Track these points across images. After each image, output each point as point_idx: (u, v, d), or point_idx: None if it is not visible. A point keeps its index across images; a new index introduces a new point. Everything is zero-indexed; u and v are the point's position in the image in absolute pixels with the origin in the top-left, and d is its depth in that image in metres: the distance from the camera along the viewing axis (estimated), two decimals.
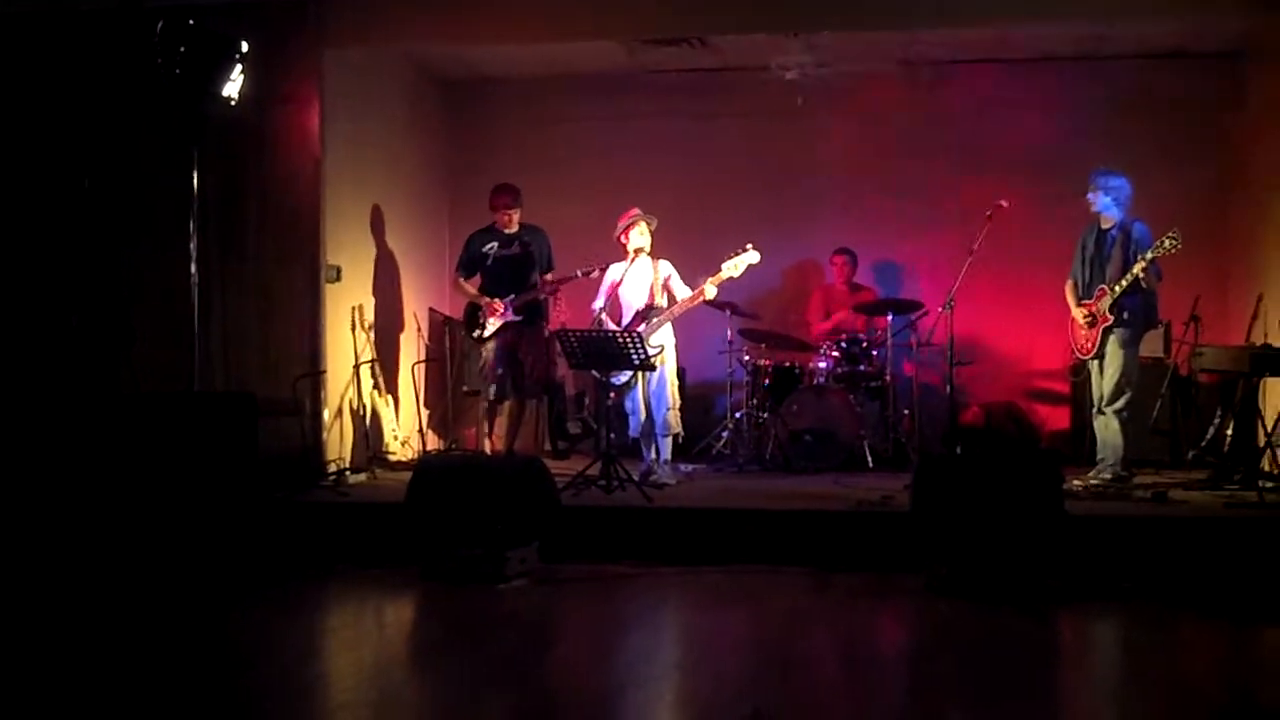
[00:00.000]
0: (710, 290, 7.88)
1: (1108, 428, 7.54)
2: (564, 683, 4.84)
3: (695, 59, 9.68)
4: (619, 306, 8.21)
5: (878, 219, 10.03)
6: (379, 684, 4.79)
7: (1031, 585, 5.82)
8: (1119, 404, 7.43)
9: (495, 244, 8.59)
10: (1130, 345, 7.44)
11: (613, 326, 8.07)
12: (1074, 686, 4.88)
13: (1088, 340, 7.53)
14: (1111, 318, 7.39)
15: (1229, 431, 7.90)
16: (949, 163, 9.88)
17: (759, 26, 8.61)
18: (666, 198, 8.82)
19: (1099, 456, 7.64)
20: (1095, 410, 7.67)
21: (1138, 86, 9.55)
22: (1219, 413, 8.09)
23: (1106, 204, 7.51)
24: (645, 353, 7.56)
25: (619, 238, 8.12)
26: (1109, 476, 7.43)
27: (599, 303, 8.23)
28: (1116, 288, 7.34)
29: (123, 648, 5.17)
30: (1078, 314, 7.60)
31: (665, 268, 8.18)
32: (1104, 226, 7.57)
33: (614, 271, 8.20)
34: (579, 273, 8.22)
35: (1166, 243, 7.12)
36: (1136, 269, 7.23)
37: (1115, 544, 6.34)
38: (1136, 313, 7.40)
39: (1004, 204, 8.11)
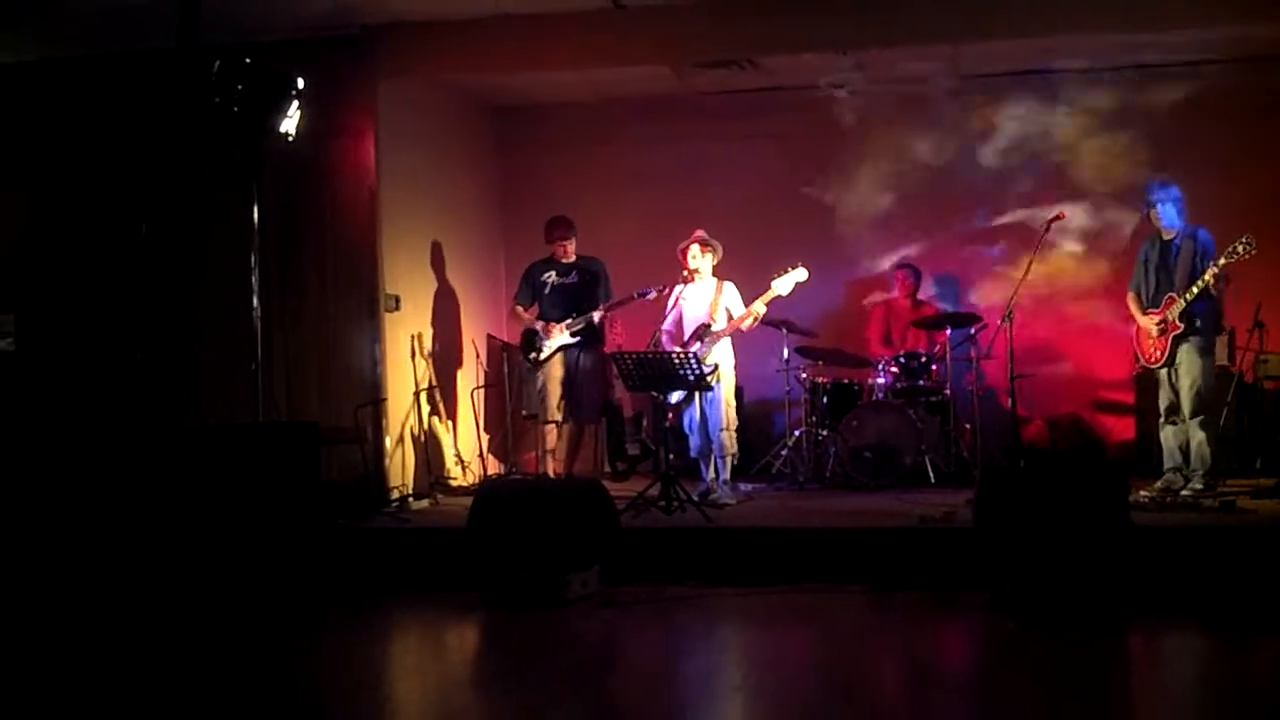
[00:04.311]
0: (760, 308, 7.92)
1: (1191, 438, 7.38)
2: (626, 705, 4.84)
3: (745, 80, 9.68)
4: (682, 327, 8.25)
5: (936, 233, 9.97)
6: (442, 708, 4.83)
7: (1099, 599, 5.75)
8: (1203, 414, 7.31)
9: (553, 273, 8.67)
10: (1206, 354, 7.33)
11: (669, 346, 8.09)
12: (1146, 702, 4.81)
13: (1156, 348, 7.42)
14: (1182, 325, 7.27)
15: None
16: (1003, 175, 9.82)
17: (809, 46, 8.58)
18: (720, 219, 8.78)
19: (1165, 466, 7.53)
20: (1162, 420, 7.56)
21: (1197, 93, 9.41)
22: None
23: (1172, 215, 7.41)
24: (700, 372, 7.57)
25: (681, 252, 8.19)
26: (1200, 487, 7.27)
27: (666, 323, 8.30)
28: (1187, 295, 7.23)
29: (191, 674, 5.23)
30: (1146, 322, 7.47)
31: (728, 289, 8.20)
32: (1166, 237, 7.47)
33: (678, 291, 8.27)
34: (637, 294, 8.27)
35: (1240, 248, 6.99)
36: (1208, 275, 7.11)
37: (1183, 555, 6.23)
38: (1207, 320, 7.30)
39: (1062, 215, 8.09)
